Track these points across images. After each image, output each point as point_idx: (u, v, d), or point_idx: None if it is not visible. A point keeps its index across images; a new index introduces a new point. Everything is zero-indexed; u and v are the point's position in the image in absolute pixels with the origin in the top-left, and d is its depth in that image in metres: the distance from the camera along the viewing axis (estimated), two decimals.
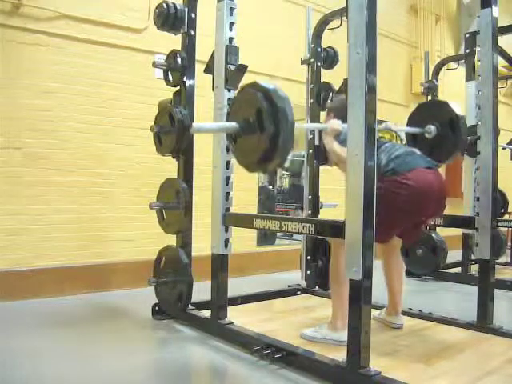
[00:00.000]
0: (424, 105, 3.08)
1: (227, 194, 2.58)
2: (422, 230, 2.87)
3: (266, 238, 5.05)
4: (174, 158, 2.89)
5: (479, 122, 2.67)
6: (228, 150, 2.56)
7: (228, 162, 2.57)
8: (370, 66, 1.83)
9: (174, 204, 2.76)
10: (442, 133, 2.65)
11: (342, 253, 2.37)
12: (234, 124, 1.86)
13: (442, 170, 5.80)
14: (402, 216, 2.31)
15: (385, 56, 5.19)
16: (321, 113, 3.56)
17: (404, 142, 2.69)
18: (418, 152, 2.51)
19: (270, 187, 5.75)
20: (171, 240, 2.90)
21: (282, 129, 1.69)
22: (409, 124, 2.82)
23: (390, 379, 1.84)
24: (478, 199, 2.66)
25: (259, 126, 1.76)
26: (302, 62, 3.58)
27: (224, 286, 2.61)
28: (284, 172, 9.49)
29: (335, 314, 2.41)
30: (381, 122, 2.54)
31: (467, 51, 3.73)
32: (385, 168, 2.30)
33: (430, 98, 4.67)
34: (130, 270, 3.64)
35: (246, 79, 2.61)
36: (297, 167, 7.11)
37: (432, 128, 2.66)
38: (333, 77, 3.50)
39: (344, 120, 1.97)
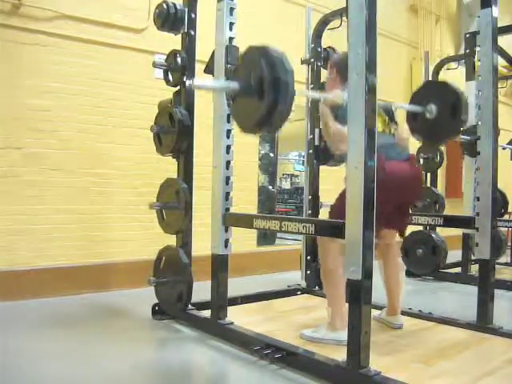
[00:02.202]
0: (427, 84, 3.03)
1: (227, 193, 2.58)
2: (408, 218, 2.87)
3: (265, 238, 5.05)
4: (173, 157, 2.89)
5: (479, 122, 2.67)
6: (228, 150, 2.56)
7: (228, 162, 2.57)
8: (370, 66, 1.83)
9: (174, 204, 2.76)
10: (442, 113, 2.62)
11: (330, 252, 2.39)
12: (234, 84, 1.87)
13: (442, 170, 5.77)
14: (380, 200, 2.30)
15: (385, 56, 5.19)
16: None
17: (394, 128, 2.65)
18: (395, 145, 2.53)
19: (270, 187, 5.74)
20: (171, 240, 2.90)
21: (280, 100, 1.71)
22: (411, 102, 2.80)
23: (389, 379, 1.84)
24: (478, 199, 2.65)
25: (259, 92, 1.76)
26: (302, 62, 3.58)
27: (224, 286, 2.61)
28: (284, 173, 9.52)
29: (333, 314, 2.41)
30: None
31: (467, 51, 3.74)
32: None
33: None
34: (130, 270, 3.64)
35: None
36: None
37: (433, 107, 2.65)
38: None
39: (346, 75, 1.93)
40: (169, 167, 3.01)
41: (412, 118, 2.75)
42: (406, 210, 2.75)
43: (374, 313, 2.58)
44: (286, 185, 9.68)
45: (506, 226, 4.84)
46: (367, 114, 1.82)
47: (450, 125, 2.62)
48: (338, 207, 2.30)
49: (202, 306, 2.80)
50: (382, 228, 2.48)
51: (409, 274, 4.45)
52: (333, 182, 4.14)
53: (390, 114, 2.65)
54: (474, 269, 4.15)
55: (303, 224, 2.17)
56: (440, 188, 5.34)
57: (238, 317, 2.65)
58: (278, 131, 1.88)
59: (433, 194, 4.57)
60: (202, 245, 2.80)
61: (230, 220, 2.57)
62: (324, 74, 3.58)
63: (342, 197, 2.16)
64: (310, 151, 3.53)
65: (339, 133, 2.30)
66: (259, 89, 1.77)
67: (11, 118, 3.25)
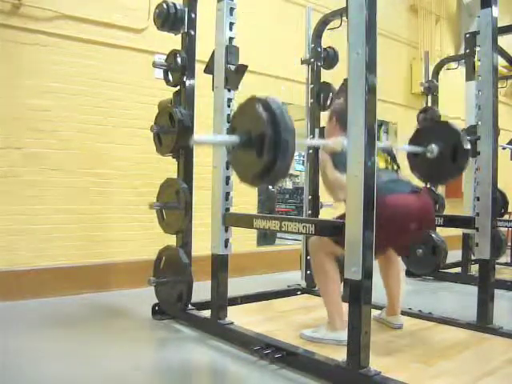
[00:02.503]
0: (427, 125, 3.06)
1: (227, 193, 2.58)
2: (412, 243, 2.84)
3: (265, 238, 5.05)
4: (173, 158, 2.89)
5: (479, 122, 2.67)
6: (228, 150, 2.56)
7: (228, 162, 2.57)
8: (370, 66, 1.83)
9: (174, 204, 2.76)
10: (443, 154, 2.61)
11: (320, 251, 2.40)
12: (234, 137, 1.86)
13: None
14: (384, 236, 2.19)
15: (385, 56, 5.19)
16: (321, 113, 3.56)
17: (396, 168, 2.64)
18: (403, 179, 2.50)
19: (270, 187, 5.74)
20: (171, 240, 2.90)
21: (280, 158, 1.70)
22: (410, 143, 2.78)
23: (390, 379, 1.84)
24: (478, 199, 2.66)
25: (258, 148, 1.75)
26: (302, 62, 3.58)
27: (224, 286, 2.61)
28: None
29: (331, 314, 2.41)
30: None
31: (467, 51, 3.74)
32: None
33: (429, 97, 4.68)
34: (130, 270, 3.64)
35: (246, 79, 2.63)
36: None
37: (434, 147, 2.63)
38: (333, 77, 3.51)
39: (346, 124, 1.94)
40: (169, 167, 3.01)
41: (413, 156, 2.76)
42: (414, 237, 2.66)
43: (374, 313, 2.58)
44: (287, 185, 9.68)
45: (506, 226, 4.84)
46: (367, 113, 1.82)
47: (451, 168, 2.62)
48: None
49: (202, 306, 2.81)
50: (381, 254, 2.48)
51: (409, 274, 4.44)
52: None
53: (391, 154, 2.63)
54: (474, 269, 4.15)
55: (303, 224, 2.17)
56: (440, 188, 5.34)
57: (238, 317, 2.65)
58: (278, 184, 1.87)
59: (433, 194, 4.56)
60: (202, 245, 2.80)
61: (230, 220, 2.57)
62: (324, 74, 3.59)
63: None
64: (310, 151, 3.53)
65: (337, 181, 2.29)
66: (259, 145, 1.75)
67: (11, 118, 3.25)
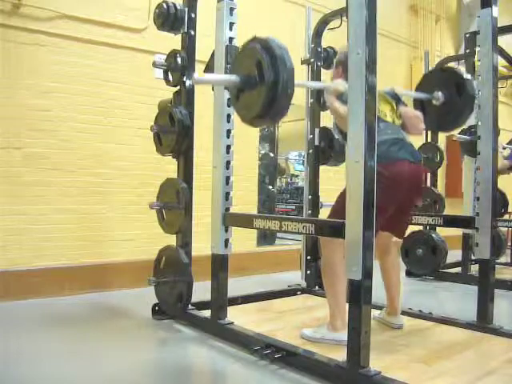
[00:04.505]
0: (432, 72, 3.03)
1: (227, 194, 2.58)
2: (408, 222, 2.84)
3: (265, 237, 5.05)
4: (174, 158, 2.89)
5: (479, 122, 2.66)
6: (228, 150, 2.56)
7: (228, 162, 2.57)
8: (370, 66, 1.83)
9: (174, 204, 2.76)
10: (449, 99, 2.63)
11: (333, 252, 2.38)
12: (234, 77, 1.88)
13: (442, 170, 5.77)
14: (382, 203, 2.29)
15: (385, 56, 5.19)
16: (321, 113, 3.56)
17: (403, 109, 2.64)
18: (406, 141, 2.49)
19: (270, 187, 5.74)
20: (171, 240, 2.90)
21: (281, 75, 1.73)
22: (417, 90, 2.79)
23: (390, 379, 1.84)
24: (478, 199, 2.65)
25: (259, 76, 1.78)
26: (302, 62, 3.58)
27: (224, 286, 2.61)
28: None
29: (333, 314, 2.41)
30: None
31: (467, 51, 3.73)
32: None
33: None
34: (130, 270, 3.64)
35: None
36: None
37: (439, 95, 2.63)
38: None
39: None
40: (169, 167, 3.01)
41: (420, 106, 2.76)
42: (408, 212, 2.71)
43: (374, 313, 2.58)
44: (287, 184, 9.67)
45: (506, 226, 4.84)
46: (367, 113, 1.82)
47: (460, 105, 2.62)
48: (337, 210, 2.31)
49: (202, 306, 2.81)
50: (379, 229, 2.47)
51: (409, 274, 4.45)
52: (333, 181, 4.16)
53: (396, 98, 2.64)
54: (474, 269, 4.15)
55: (303, 224, 2.17)
56: (440, 188, 5.34)
57: (238, 317, 2.65)
58: (285, 113, 1.87)
59: (433, 194, 4.57)
60: (202, 245, 2.80)
61: (230, 220, 2.57)
62: (324, 74, 3.59)
63: (342, 196, 2.15)
64: (310, 151, 3.53)
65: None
66: (259, 73, 1.79)
67: (11, 118, 3.25)
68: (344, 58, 2.57)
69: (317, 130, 3.52)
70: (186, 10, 2.83)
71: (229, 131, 2.56)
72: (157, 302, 2.90)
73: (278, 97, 1.79)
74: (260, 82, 1.82)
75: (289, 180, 8.91)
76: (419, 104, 2.81)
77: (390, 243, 2.66)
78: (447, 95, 2.66)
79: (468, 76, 2.67)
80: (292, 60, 1.83)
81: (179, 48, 2.87)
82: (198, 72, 2.82)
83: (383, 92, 2.58)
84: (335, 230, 2.00)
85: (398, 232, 2.67)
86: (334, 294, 2.41)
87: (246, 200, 4.29)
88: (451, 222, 3.25)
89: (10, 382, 1.98)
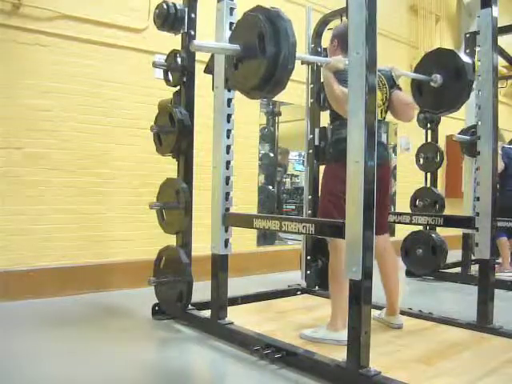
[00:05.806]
0: (431, 53, 3.02)
1: (227, 194, 2.58)
2: (386, 220, 2.81)
3: (265, 237, 5.05)
4: (173, 158, 2.89)
5: (479, 122, 2.66)
6: (228, 150, 2.56)
7: (228, 162, 2.57)
8: (370, 65, 1.83)
9: (174, 204, 2.76)
10: (447, 82, 2.63)
11: (340, 261, 2.36)
12: (235, 46, 1.87)
13: (442, 170, 5.77)
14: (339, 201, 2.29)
15: (385, 56, 5.20)
16: (321, 113, 3.56)
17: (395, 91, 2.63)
18: (380, 138, 2.51)
19: (270, 187, 5.74)
20: (171, 240, 2.90)
21: (283, 50, 1.73)
22: (416, 71, 2.79)
23: (390, 379, 1.84)
24: (477, 199, 2.66)
25: (260, 48, 1.76)
26: (302, 62, 3.58)
27: (224, 286, 2.61)
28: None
29: (335, 314, 2.41)
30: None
31: (467, 51, 3.73)
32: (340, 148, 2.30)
33: None
34: (129, 270, 3.64)
35: None
36: None
37: (438, 77, 2.63)
38: None
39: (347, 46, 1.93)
40: (169, 167, 3.01)
41: (417, 88, 2.76)
42: (381, 212, 2.58)
43: (374, 313, 2.58)
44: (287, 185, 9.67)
45: (506, 226, 4.83)
46: (367, 113, 1.82)
47: (458, 89, 2.63)
48: (326, 207, 2.43)
49: (202, 305, 2.81)
50: None
51: (409, 274, 4.45)
52: None
53: (392, 81, 2.63)
54: (474, 269, 4.15)
55: (303, 224, 2.17)
56: (440, 188, 5.34)
57: (238, 317, 2.65)
58: (283, 88, 1.85)
59: (433, 194, 4.57)
60: (202, 245, 2.80)
61: (230, 220, 2.57)
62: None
63: (322, 192, 2.27)
64: (310, 151, 3.52)
65: (345, 94, 2.23)
66: (261, 45, 1.78)
67: (11, 118, 3.25)
68: (340, 31, 2.59)
69: (317, 130, 3.51)
70: (186, 10, 2.83)
71: (229, 131, 2.56)
72: (157, 301, 2.90)
73: (278, 71, 1.78)
74: (261, 54, 1.81)
75: (285, 176, 8.80)
76: (417, 84, 2.80)
77: (387, 244, 2.65)
78: (446, 78, 2.65)
79: (468, 60, 2.66)
80: (295, 33, 1.83)
81: (179, 48, 2.87)
82: (198, 72, 2.86)
83: (381, 73, 2.57)
84: (335, 230, 2.01)
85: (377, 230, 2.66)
86: (339, 296, 2.40)
87: (246, 200, 4.29)
88: (451, 221, 3.25)
89: (10, 381, 1.98)
